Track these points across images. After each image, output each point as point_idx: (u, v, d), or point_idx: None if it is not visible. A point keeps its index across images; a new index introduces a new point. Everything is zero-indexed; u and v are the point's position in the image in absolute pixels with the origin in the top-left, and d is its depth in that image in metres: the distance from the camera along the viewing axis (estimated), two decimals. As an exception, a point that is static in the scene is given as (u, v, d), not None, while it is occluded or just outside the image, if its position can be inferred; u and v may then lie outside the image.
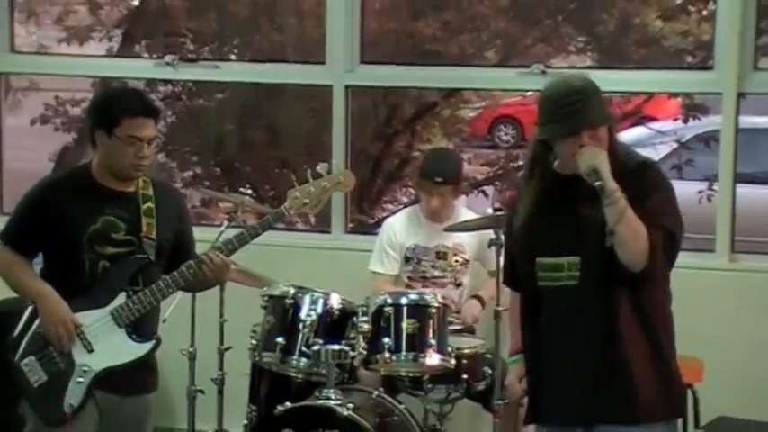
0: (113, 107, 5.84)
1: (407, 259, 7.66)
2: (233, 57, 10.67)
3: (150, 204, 5.86)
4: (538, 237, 4.97)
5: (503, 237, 6.84)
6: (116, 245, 5.80)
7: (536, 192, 4.99)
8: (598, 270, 4.79)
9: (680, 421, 5.53)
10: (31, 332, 5.83)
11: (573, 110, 4.83)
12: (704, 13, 8.59)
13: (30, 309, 5.84)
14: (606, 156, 4.74)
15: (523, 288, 5.15)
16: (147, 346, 5.82)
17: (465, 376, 7.08)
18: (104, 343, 5.76)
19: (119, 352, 5.77)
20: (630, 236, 4.65)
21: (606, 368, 4.84)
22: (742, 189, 8.14)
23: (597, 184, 4.64)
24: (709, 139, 9.03)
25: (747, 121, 8.28)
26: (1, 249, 5.99)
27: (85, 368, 5.73)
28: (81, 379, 5.72)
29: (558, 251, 4.90)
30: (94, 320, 5.74)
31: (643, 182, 4.85)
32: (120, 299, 5.74)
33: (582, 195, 4.78)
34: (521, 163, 12.87)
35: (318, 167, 5.92)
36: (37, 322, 5.80)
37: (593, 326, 4.87)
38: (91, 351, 5.74)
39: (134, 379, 5.88)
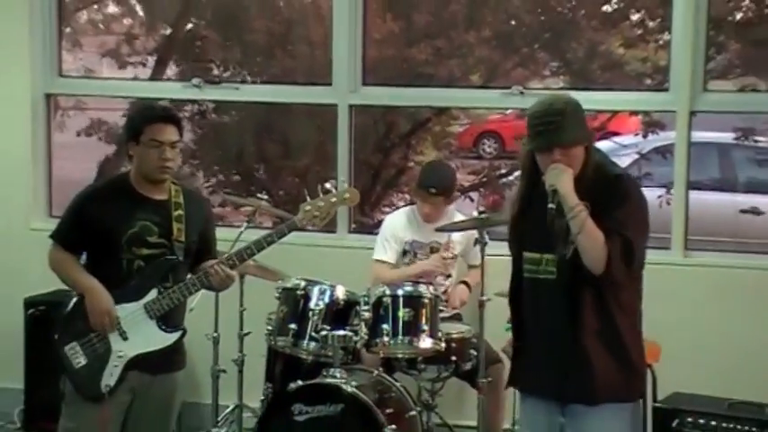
0: (137, 119, 5.98)
1: (405, 252, 7.68)
2: (251, 79, 10.62)
3: (180, 211, 5.89)
4: (524, 233, 5.01)
5: (487, 237, 6.95)
6: (150, 247, 5.84)
7: (524, 194, 5.04)
8: (569, 269, 4.81)
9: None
10: (75, 320, 5.87)
11: (549, 128, 4.85)
12: (660, 42, 8.58)
13: (75, 300, 5.89)
14: (570, 175, 4.79)
15: (513, 274, 5.16)
16: (175, 336, 5.88)
17: (453, 358, 7.13)
18: (137, 332, 5.81)
19: (150, 340, 5.82)
20: (590, 245, 4.72)
21: (571, 355, 4.87)
22: (694, 195, 8.16)
23: (553, 204, 4.72)
24: (665, 152, 9.01)
25: (698, 135, 8.26)
26: (53, 247, 6.00)
27: (121, 354, 5.78)
28: (116, 363, 5.77)
29: (539, 247, 4.92)
30: (129, 312, 5.78)
31: (615, 193, 4.86)
32: (152, 294, 5.79)
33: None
34: (503, 171, 12.94)
35: (327, 184, 5.95)
36: (77, 310, 5.85)
37: (562, 317, 4.89)
38: (126, 339, 5.79)
39: (164, 359, 5.91)
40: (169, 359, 5.96)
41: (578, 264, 4.76)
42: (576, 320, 4.86)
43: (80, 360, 5.84)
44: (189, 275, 5.87)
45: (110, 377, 5.78)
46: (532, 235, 4.96)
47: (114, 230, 5.83)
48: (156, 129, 5.79)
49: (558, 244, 4.77)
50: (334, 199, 5.91)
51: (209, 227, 6.16)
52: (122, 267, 5.83)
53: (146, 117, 5.92)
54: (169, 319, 5.86)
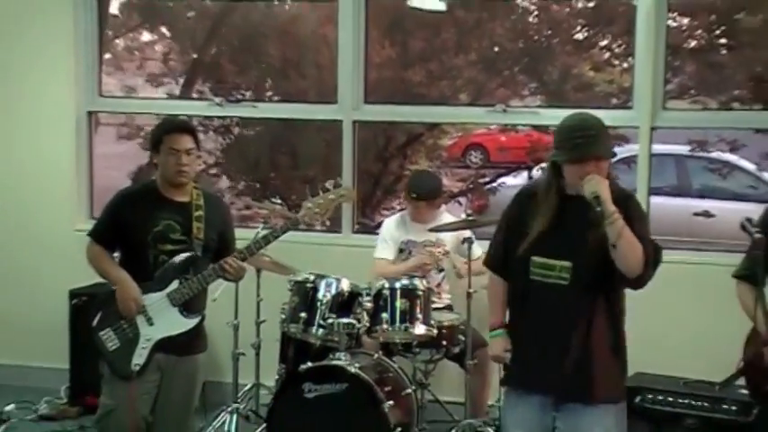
0: (157, 131, 6.07)
1: (401, 250, 7.66)
2: (267, 98, 10.61)
3: (200, 212, 5.96)
4: (538, 239, 4.88)
5: (474, 237, 6.96)
6: (173, 243, 5.92)
7: (554, 204, 4.91)
8: (585, 277, 4.77)
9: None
10: (108, 309, 5.94)
11: (584, 141, 4.77)
12: (625, 66, 8.60)
13: (108, 292, 5.97)
14: (607, 184, 4.70)
15: (512, 277, 5.06)
16: (194, 321, 5.95)
17: (444, 342, 7.13)
18: (162, 318, 5.89)
19: (173, 325, 5.90)
20: (629, 249, 4.65)
21: (576, 356, 4.80)
22: (654, 199, 8.19)
23: (599, 209, 4.62)
24: (629, 162, 8.99)
25: (658, 148, 8.28)
26: (89, 244, 6.06)
27: (148, 337, 5.86)
28: (144, 345, 5.86)
29: (554, 255, 4.84)
30: (155, 301, 5.86)
31: (633, 208, 4.82)
32: (174, 285, 5.87)
33: (581, 214, 4.72)
34: (487, 179, 12.94)
35: (327, 183, 6.03)
36: (110, 301, 5.92)
37: (574, 319, 4.82)
38: (152, 324, 5.87)
39: (187, 343, 5.98)
40: (192, 343, 6.02)
41: (595, 271, 4.75)
42: (585, 324, 4.81)
43: (113, 344, 5.92)
44: (204, 270, 5.91)
45: (139, 357, 5.85)
46: (546, 243, 4.86)
47: (142, 229, 5.92)
48: (173, 138, 5.88)
49: (581, 252, 4.75)
50: (332, 196, 6.00)
51: (227, 227, 6.21)
52: (149, 261, 5.91)
53: (164, 129, 6.03)
54: (190, 306, 5.93)
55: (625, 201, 4.82)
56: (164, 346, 5.91)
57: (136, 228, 5.95)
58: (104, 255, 6.06)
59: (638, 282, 4.77)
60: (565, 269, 4.80)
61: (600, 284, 4.79)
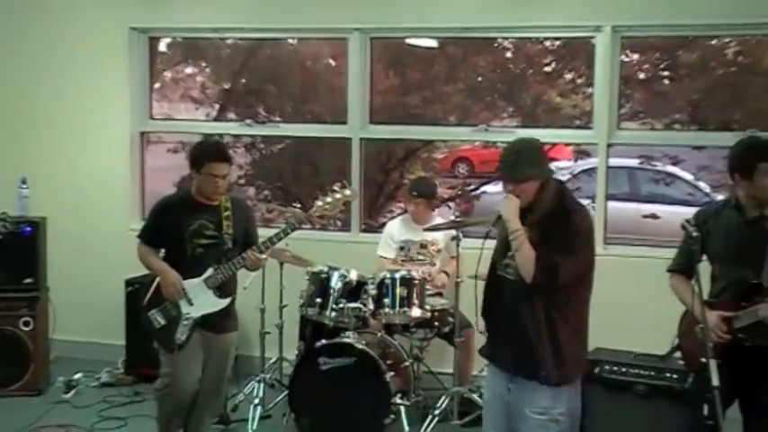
0: (200, 155, 6.05)
1: (401, 248, 7.68)
2: (288, 120, 10.61)
3: (228, 213, 6.07)
4: (501, 244, 4.86)
5: (461, 235, 7.00)
6: (207, 238, 6.03)
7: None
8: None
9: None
10: (155, 295, 6.05)
11: (503, 165, 4.75)
12: (587, 93, 8.56)
13: (156, 281, 6.05)
14: (515, 204, 4.67)
15: (489, 272, 4.97)
16: (226, 301, 6.07)
17: (436, 323, 7.20)
18: (200, 299, 5.99)
19: (209, 305, 6.01)
20: (521, 261, 4.63)
21: (523, 339, 4.70)
22: (610, 204, 8.18)
23: (493, 227, 4.78)
24: (590, 172, 9.00)
25: (613, 161, 8.27)
26: (139, 244, 6.19)
27: (188, 316, 5.96)
28: (186, 322, 5.95)
29: (503, 252, 4.82)
30: (193, 285, 5.97)
31: (563, 223, 4.65)
32: (209, 272, 5.98)
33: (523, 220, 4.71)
34: (472, 187, 12.94)
35: (335, 185, 6.15)
36: (156, 287, 6.04)
37: (519, 309, 4.72)
38: (192, 304, 5.97)
39: (222, 323, 6.13)
40: (226, 323, 6.15)
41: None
42: (529, 315, 4.68)
43: (159, 322, 6.04)
44: (231, 261, 5.99)
45: (182, 333, 5.92)
46: (505, 246, 4.80)
47: (179, 228, 6.02)
48: (213, 166, 5.95)
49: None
50: (338, 195, 6.09)
51: (250, 224, 6.29)
52: (187, 253, 6.02)
53: (206, 155, 6.02)
54: (222, 289, 6.03)
55: (562, 215, 4.70)
56: (203, 325, 5.99)
57: (174, 227, 6.05)
58: (150, 252, 6.17)
59: (532, 287, 4.62)
60: (513, 267, 4.74)
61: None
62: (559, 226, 4.65)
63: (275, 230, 6.08)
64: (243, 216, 6.20)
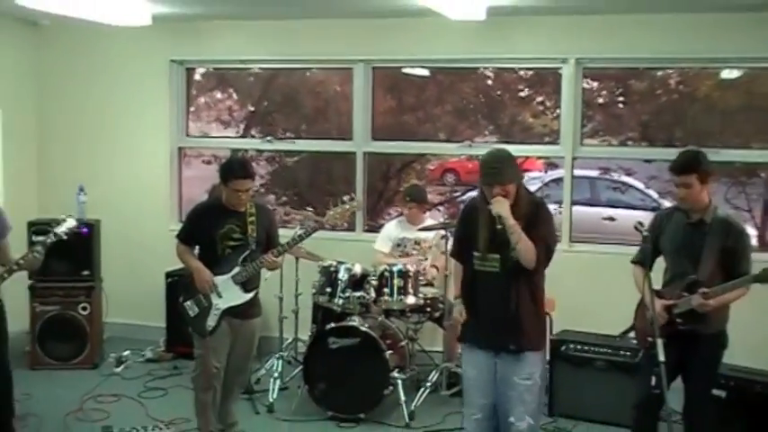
0: (228, 172, 5.98)
1: (398, 245, 7.67)
2: (303, 136, 10.60)
3: (253, 218, 6.00)
4: (478, 239, 4.89)
5: (450, 234, 6.95)
6: (234, 240, 5.98)
7: (482, 214, 4.88)
8: (509, 265, 4.77)
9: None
10: (190, 288, 6.02)
11: (491, 171, 4.80)
12: (555, 114, 8.58)
13: (189, 275, 6.05)
14: (507, 205, 4.73)
15: (465, 265, 5.07)
16: (250, 295, 6.01)
17: (428, 309, 7.20)
18: (227, 293, 5.95)
19: (235, 298, 5.96)
20: (524, 250, 4.71)
21: (508, 320, 4.82)
22: (575, 208, 8.18)
23: (500, 226, 4.70)
24: (558, 181, 9.01)
25: (577, 172, 8.30)
26: (177, 242, 6.14)
27: (218, 306, 5.94)
28: (215, 312, 5.94)
29: (488, 249, 4.84)
30: (222, 281, 5.93)
31: (538, 213, 4.84)
32: (236, 269, 5.93)
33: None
34: (458, 194, 12.97)
35: (344, 197, 6.13)
36: (190, 282, 6.01)
37: (504, 294, 4.82)
38: (221, 297, 5.94)
39: (247, 311, 6.06)
40: (251, 311, 6.10)
41: (515, 262, 4.75)
42: (515, 297, 4.81)
43: (193, 312, 6.01)
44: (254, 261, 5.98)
45: (212, 321, 5.93)
46: (480, 241, 4.86)
47: (211, 230, 5.98)
48: (238, 183, 5.89)
49: (506, 250, 4.76)
50: (346, 206, 6.08)
51: (272, 227, 6.20)
52: (217, 252, 5.97)
53: (233, 173, 5.95)
54: (247, 284, 5.98)
55: (536, 207, 4.90)
56: (231, 312, 5.97)
57: (207, 230, 6.02)
58: (187, 251, 6.13)
59: (533, 270, 4.78)
60: (495, 260, 4.83)
61: (520, 270, 4.78)
62: (536, 217, 4.83)
63: (292, 230, 6.11)
64: (266, 220, 6.14)
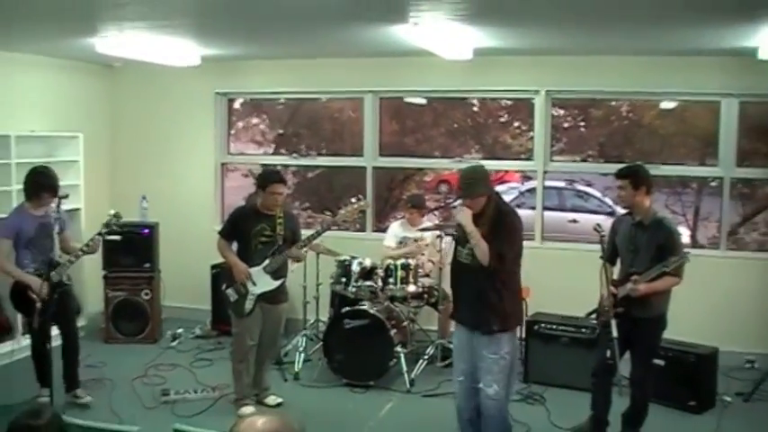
0: (265, 179, 6.09)
1: (400, 242, 7.65)
2: (322, 154, 10.64)
3: (281, 220, 6.06)
4: (460, 235, 4.95)
5: (443, 234, 7.01)
6: (265, 237, 6.05)
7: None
8: (476, 259, 4.78)
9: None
10: (230, 277, 6.09)
11: (464, 186, 4.88)
12: (529, 136, 8.61)
13: (229, 268, 6.13)
14: (468, 214, 4.78)
15: (452, 259, 5.11)
16: (279, 282, 6.09)
17: (426, 296, 7.28)
18: (260, 281, 6.02)
19: (267, 285, 6.04)
20: (479, 251, 4.73)
21: (477, 306, 4.86)
22: (546, 213, 8.25)
23: (460, 232, 4.83)
24: (532, 190, 9.03)
25: (548, 183, 8.35)
26: (218, 238, 6.21)
27: (253, 292, 6.02)
28: (251, 298, 6.02)
29: (464, 244, 4.89)
30: (256, 271, 6.00)
31: (500, 222, 4.81)
32: (266, 261, 6.01)
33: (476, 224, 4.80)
34: (450, 200, 12.91)
35: (352, 199, 6.21)
36: (230, 272, 6.10)
37: (474, 283, 4.87)
38: (255, 285, 6.01)
39: (276, 297, 6.14)
40: (279, 297, 6.17)
41: None
42: (482, 285, 4.83)
43: (233, 297, 6.08)
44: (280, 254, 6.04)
45: (249, 305, 6.01)
46: (461, 237, 4.93)
47: (248, 229, 6.05)
48: (275, 187, 5.98)
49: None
50: (355, 205, 6.14)
51: (296, 228, 6.24)
52: (251, 248, 6.05)
53: (271, 179, 6.05)
54: (276, 273, 6.05)
55: (501, 218, 4.83)
56: (264, 298, 6.03)
57: (244, 229, 6.08)
58: (226, 246, 6.18)
59: (488, 268, 4.73)
60: (468, 254, 4.86)
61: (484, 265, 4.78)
62: (500, 225, 4.79)
63: (312, 231, 6.18)
64: (291, 223, 6.19)
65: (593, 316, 5.65)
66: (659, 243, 5.21)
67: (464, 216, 4.79)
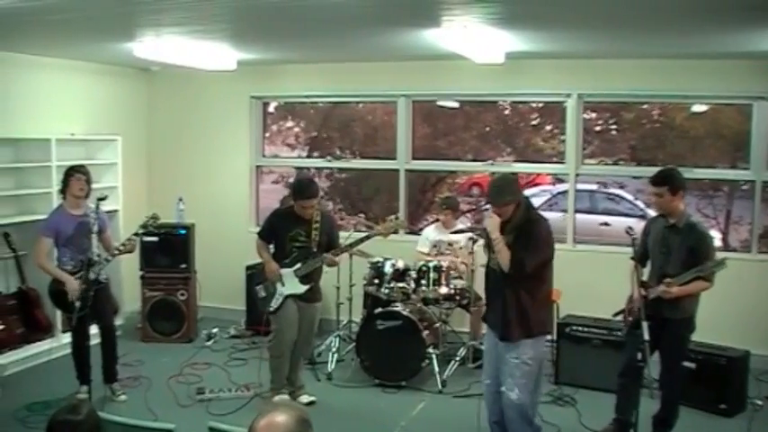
0: (297, 192, 6.10)
1: (434, 245, 7.59)
2: (355, 156, 10.64)
3: (317, 225, 6.09)
4: (487, 246, 5.01)
5: (476, 237, 6.93)
6: (300, 242, 6.11)
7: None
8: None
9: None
10: (261, 277, 6.21)
11: (491, 194, 4.92)
12: (561, 139, 8.54)
13: (261, 267, 6.25)
14: (496, 222, 4.82)
15: (486, 264, 5.13)
16: (306, 287, 6.13)
17: (458, 297, 7.15)
18: (289, 283, 6.09)
19: (294, 288, 6.11)
20: (501, 257, 4.78)
21: (502, 310, 4.89)
22: (578, 216, 8.19)
23: (486, 239, 4.86)
24: (564, 193, 8.98)
25: (580, 186, 8.32)
26: (257, 239, 6.28)
27: (281, 293, 6.11)
28: (278, 297, 6.11)
29: (493, 251, 4.92)
30: (286, 273, 6.09)
31: (526, 230, 4.82)
32: (298, 265, 6.07)
33: (504, 231, 4.83)
34: (482, 204, 12.86)
35: (391, 216, 6.38)
36: (262, 272, 6.22)
37: (500, 289, 4.91)
38: (283, 285, 6.08)
39: (311, 296, 6.21)
40: (313, 297, 6.23)
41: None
42: (507, 293, 4.86)
43: (262, 294, 6.20)
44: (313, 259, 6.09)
45: (275, 303, 6.11)
46: (488, 246, 4.98)
47: (283, 232, 6.13)
48: (305, 202, 6.01)
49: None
50: (392, 224, 6.27)
51: (332, 232, 6.24)
52: (286, 250, 6.12)
53: (301, 194, 6.05)
54: (305, 278, 6.09)
55: (527, 226, 4.83)
56: (299, 297, 6.11)
57: (280, 231, 6.15)
58: (263, 246, 6.25)
59: (509, 275, 4.77)
60: (495, 261, 4.88)
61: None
62: (526, 233, 4.80)
63: (347, 232, 6.22)
64: (327, 226, 6.19)
65: (620, 317, 5.62)
66: (691, 246, 5.17)
67: (491, 222, 4.84)
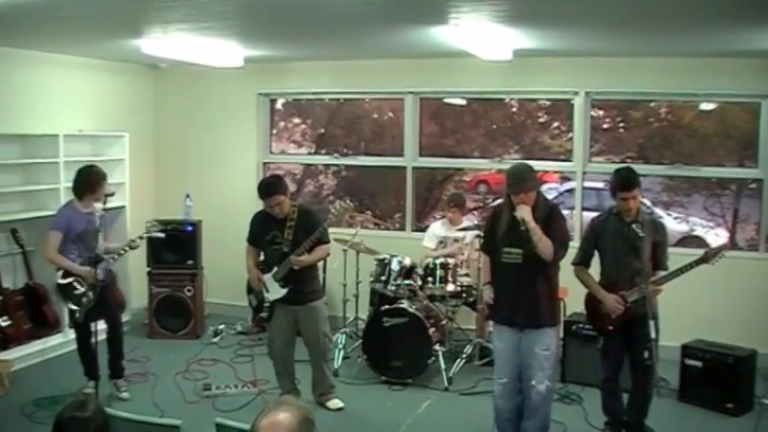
0: (258, 191, 5.99)
1: (441, 242, 7.62)
2: (362, 154, 10.61)
3: (292, 223, 5.88)
4: (504, 236, 4.98)
5: (482, 233, 6.96)
6: (276, 244, 5.94)
7: (507, 217, 4.97)
8: (529, 257, 4.85)
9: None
10: (250, 285, 6.19)
11: (515, 181, 4.89)
12: (568, 137, 8.53)
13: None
14: (529, 210, 4.81)
15: (492, 257, 5.15)
16: (286, 290, 5.92)
17: (464, 295, 7.19)
18: (272, 288, 5.98)
19: (276, 292, 5.96)
20: (544, 248, 4.80)
21: (528, 302, 4.92)
22: (585, 213, 8.10)
23: (524, 228, 4.77)
24: (571, 191, 8.96)
25: (587, 184, 8.26)
26: (246, 245, 6.16)
27: (268, 299, 6.00)
28: (266, 304, 6.01)
29: (512, 245, 4.92)
30: (267, 278, 5.96)
31: (552, 217, 4.91)
32: (274, 269, 5.92)
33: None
34: (489, 201, 12.88)
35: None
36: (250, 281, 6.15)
37: (524, 281, 4.92)
38: (267, 291, 5.97)
39: (305, 297, 6.03)
40: (308, 296, 6.05)
41: (533, 255, 4.81)
42: (533, 282, 4.90)
43: (253, 303, 6.20)
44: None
45: (265, 311, 6.04)
46: (508, 238, 4.95)
47: (262, 236, 6.01)
48: (267, 201, 5.88)
49: (527, 246, 4.81)
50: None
51: (313, 228, 5.81)
52: (267, 254, 6.02)
53: (259, 193, 5.96)
54: (284, 281, 5.91)
55: (550, 211, 4.95)
56: (291, 301, 5.97)
57: (259, 235, 6.03)
58: (250, 251, 6.14)
59: (551, 261, 4.87)
60: (518, 253, 4.90)
61: (538, 262, 4.85)
62: (552, 218, 4.90)
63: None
64: (306, 223, 5.88)
65: (588, 326, 5.69)
66: (655, 240, 5.27)
67: (525, 212, 4.83)
